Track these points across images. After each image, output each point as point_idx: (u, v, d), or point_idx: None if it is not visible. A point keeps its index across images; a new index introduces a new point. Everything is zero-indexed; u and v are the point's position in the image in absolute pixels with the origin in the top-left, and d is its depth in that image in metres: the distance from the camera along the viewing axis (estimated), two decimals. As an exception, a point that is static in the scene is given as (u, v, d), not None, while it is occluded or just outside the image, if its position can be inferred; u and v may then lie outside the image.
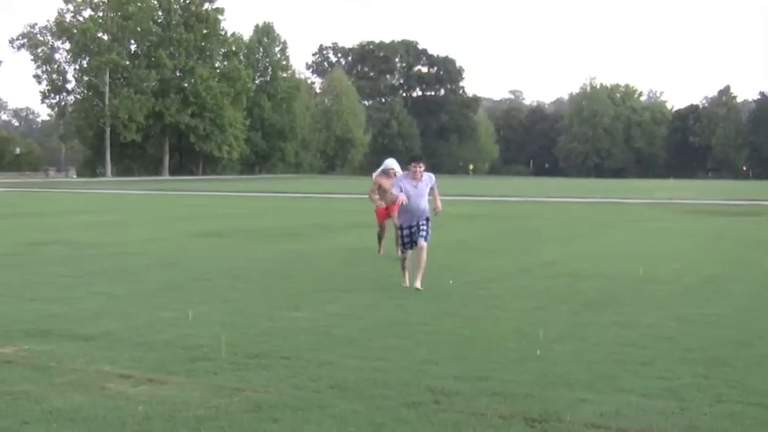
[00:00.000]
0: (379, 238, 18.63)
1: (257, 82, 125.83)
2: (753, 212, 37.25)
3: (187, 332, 9.56)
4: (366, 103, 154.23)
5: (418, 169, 13.50)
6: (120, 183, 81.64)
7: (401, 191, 13.28)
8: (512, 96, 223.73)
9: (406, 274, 13.70)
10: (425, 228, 13.57)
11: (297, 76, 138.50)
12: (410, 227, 13.62)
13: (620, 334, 9.75)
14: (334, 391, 7.16)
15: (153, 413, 6.45)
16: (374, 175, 17.92)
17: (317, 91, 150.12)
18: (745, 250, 20.17)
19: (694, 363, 8.35)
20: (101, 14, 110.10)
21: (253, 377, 7.62)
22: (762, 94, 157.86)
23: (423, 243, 13.43)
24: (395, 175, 16.64)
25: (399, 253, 14.60)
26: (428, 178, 13.65)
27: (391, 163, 17.70)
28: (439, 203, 13.93)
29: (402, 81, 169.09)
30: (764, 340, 9.52)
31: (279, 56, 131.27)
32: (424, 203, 13.59)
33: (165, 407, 6.62)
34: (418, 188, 13.45)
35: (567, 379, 7.62)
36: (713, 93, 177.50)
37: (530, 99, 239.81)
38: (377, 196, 17.56)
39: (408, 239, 13.63)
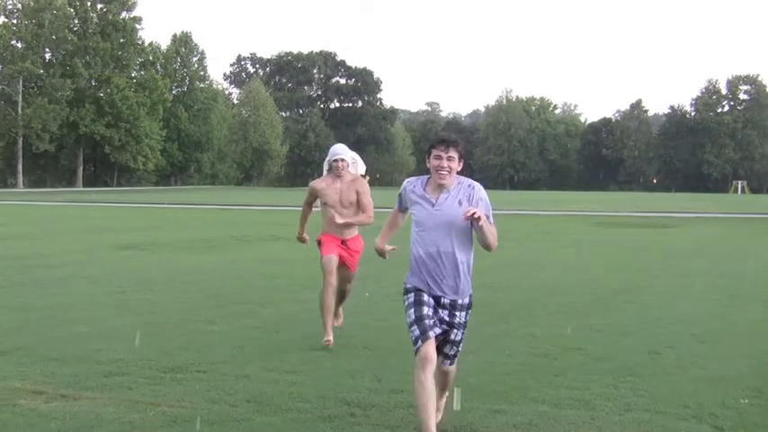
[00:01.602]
0: (324, 308, 9.88)
1: (174, 92, 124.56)
2: (662, 224, 37.97)
3: (101, 346, 9.47)
4: (284, 114, 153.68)
5: (446, 166, 6.18)
6: (32, 194, 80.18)
7: (401, 209, 6.69)
8: (428, 108, 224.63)
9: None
10: (461, 325, 6.40)
11: (214, 86, 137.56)
12: (429, 310, 6.25)
13: (533, 345, 9.91)
14: (250, 405, 7.17)
15: (66, 429, 6.41)
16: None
17: (235, 102, 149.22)
18: (654, 261, 20.56)
19: (604, 373, 8.52)
20: (14, 22, 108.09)
21: (168, 391, 7.59)
22: (672, 107, 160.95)
23: (449, 367, 6.58)
24: (345, 169, 10.05)
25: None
26: (469, 192, 6.24)
27: (340, 150, 10.14)
28: (491, 240, 6.21)
29: (320, 92, 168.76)
30: (673, 350, 9.75)
31: (196, 66, 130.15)
32: (460, 248, 6.25)
33: (79, 423, 6.57)
34: (443, 210, 6.20)
35: (482, 390, 7.72)
36: (625, 106, 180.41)
37: (446, 111, 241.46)
38: (303, 215, 10.60)
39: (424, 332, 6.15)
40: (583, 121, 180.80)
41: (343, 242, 10.19)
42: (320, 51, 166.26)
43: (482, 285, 15.21)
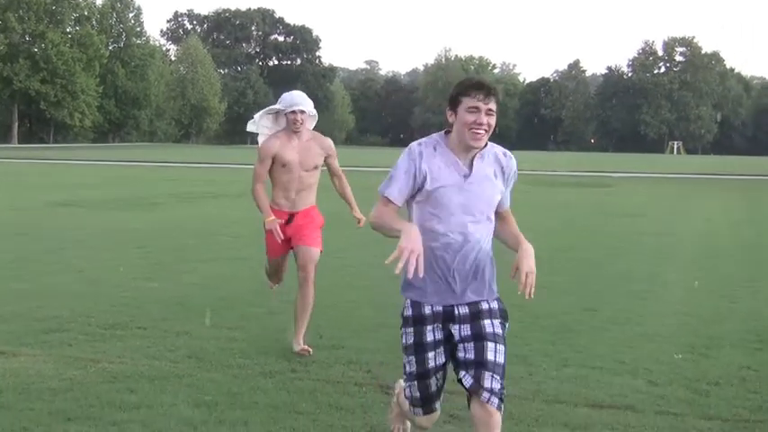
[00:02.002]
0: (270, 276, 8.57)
1: (111, 48, 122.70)
2: (600, 184, 38.38)
3: (39, 303, 9.40)
4: (222, 71, 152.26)
5: (485, 122, 4.35)
6: (-35, 150, 78.82)
7: (414, 184, 4.46)
8: (367, 67, 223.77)
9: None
10: (496, 337, 4.74)
11: (151, 42, 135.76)
12: (442, 325, 4.67)
13: (472, 302, 10.00)
14: (191, 361, 7.19)
15: (5, 386, 6.36)
16: (258, 134, 8.06)
17: (173, 58, 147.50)
18: (592, 220, 20.82)
19: (543, 329, 8.65)
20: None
21: (108, 348, 7.58)
22: (609, 68, 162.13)
23: (492, 408, 4.40)
24: (304, 124, 7.70)
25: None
26: (503, 163, 4.60)
27: (299, 99, 7.64)
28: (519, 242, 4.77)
29: (258, 50, 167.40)
30: (609, 306, 9.93)
31: (133, 22, 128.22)
32: (486, 233, 4.66)
33: (19, 379, 6.54)
34: (478, 183, 4.50)
35: (421, 346, 7.79)
36: (563, 66, 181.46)
37: (385, 69, 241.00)
38: (262, 196, 7.84)
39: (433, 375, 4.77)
40: (521, 80, 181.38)
41: (291, 217, 7.70)
42: (258, 8, 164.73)
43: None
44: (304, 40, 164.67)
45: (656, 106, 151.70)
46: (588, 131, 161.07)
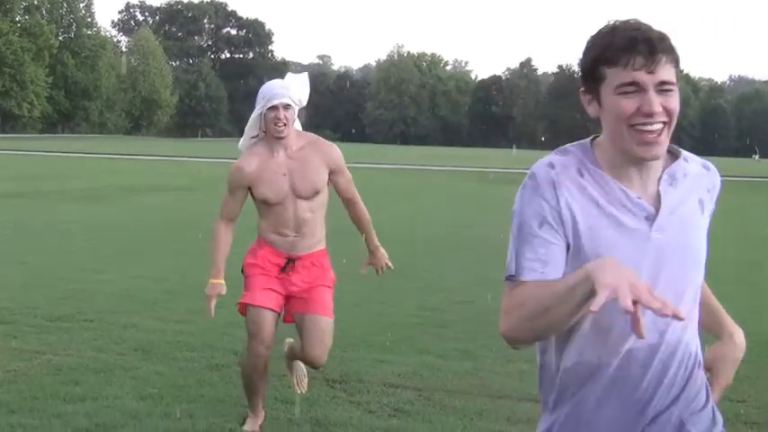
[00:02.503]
0: (248, 384, 5.68)
1: (61, 39, 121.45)
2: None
3: (-16, 295, 9.33)
4: (173, 64, 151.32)
5: (658, 110, 2.25)
6: None
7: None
8: (320, 61, 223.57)
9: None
10: None
11: (102, 33, 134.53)
12: None
13: (420, 298, 10.07)
14: (137, 354, 7.18)
15: (-52, 377, 6.32)
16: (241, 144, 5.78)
17: (124, 50, 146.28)
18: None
19: (489, 325, 8.68)
20: None
21: (54, 340, 7.54)
22: (560, 67, 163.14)
23: None
24: (290, 126, 5.41)
25: None
26: (709, 182, 2.49)
27: (281, 89, 5.46)
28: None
29: (210, 43, 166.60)
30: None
31: (83, 12, 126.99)
32: (692, 322, 2.42)
33: (-38, 371, 6.50)
34: (667, 244, 2.36)
35: (368, 341, 7.85)
36: (515, 64, 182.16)
37: (338, 64, 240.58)
38: (219, 242, 5.68)
39: None
40: (473, 78, 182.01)
41: (289, 263, 5.46)
42: (211, 1, 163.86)
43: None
44: (256, 34, 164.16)
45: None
46: (539, 130, 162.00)
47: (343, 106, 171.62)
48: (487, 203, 24.76)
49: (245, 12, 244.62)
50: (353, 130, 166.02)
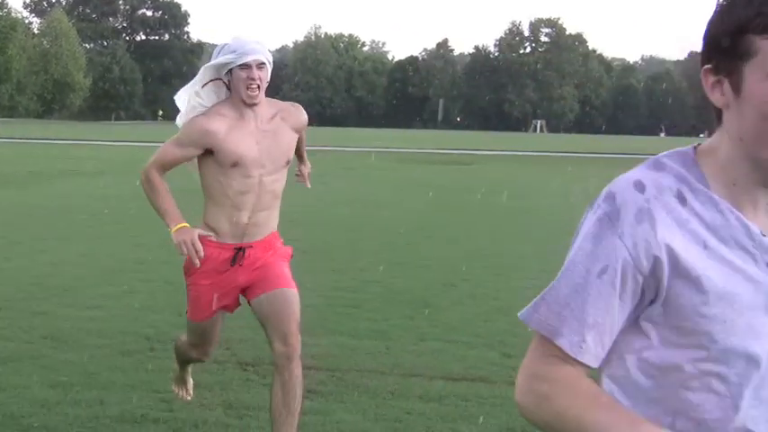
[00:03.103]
0: (183, 362, 5.35)
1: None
2: (464, 161, 38.86)
3: None
4: (87, 46, 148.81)
5: None
6: None
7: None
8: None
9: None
10: None
11: (13, 14, 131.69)
12: None
13: (333, 279, 10.10)
14: (46, 342, 7.10)
15: None
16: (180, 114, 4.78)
17: (35, 32, 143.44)
18: (454, 198, 21.12)
19: (401, 304, 8.80)
20: None
21: (-39, 329, 7.42)
22: (476, 48, 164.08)
23: None
24: (263, 88, 4.60)
25: None
26: None
27: (254, 46, 4.57)
28: None
29: (125, 24, 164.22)
30: (467, 282, 10.14)
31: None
32: None
33: None
34: None
35: (281, 323, 7.85)
36: (432, 45, 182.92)
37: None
38: (160, 186, 4.71)
39: None
40: (390, 59, 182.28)
41: (239, 253, 4.65)
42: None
43: (282, 221, 15.35)
44: (172, 15, 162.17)
45: (521, 86, 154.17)
46: (455, 110, 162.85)
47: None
48: (402, 184, 24.83)
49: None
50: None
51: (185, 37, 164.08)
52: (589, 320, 1.64)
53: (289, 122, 4.73)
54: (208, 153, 4.55)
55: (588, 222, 1.75)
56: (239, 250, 4.62)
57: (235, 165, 4.50)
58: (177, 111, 4.73)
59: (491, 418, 5.61)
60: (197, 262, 4.44)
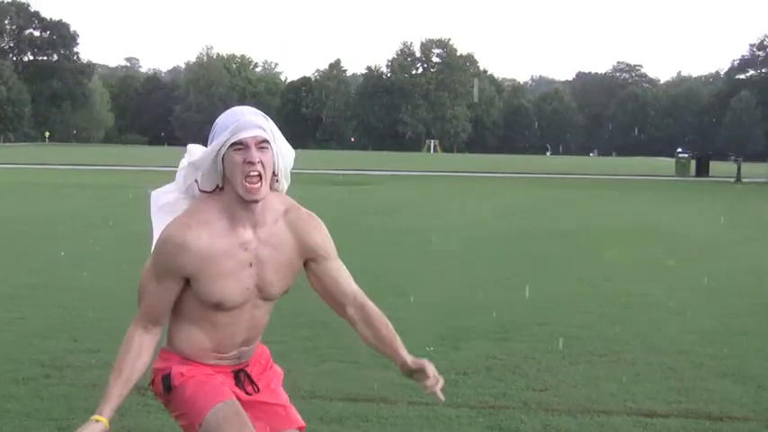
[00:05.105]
0: None
1: None
2: (358, 182, 38.93)
3: None
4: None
5: None
6: None
7: None
8: (128, 64, 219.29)
9: None
10: None
11: None
12: None
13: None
14: (-65, 371, 6.92)
15: None
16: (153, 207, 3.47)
17: None
18: (351, 218, 21.15)
19: (300, 326, 8.78)
20: None
21: None
22: (369, 68, 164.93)
23: None
24: (262, 178, 3.21)
25: None
26: None
27: (252, 119, 3.21)
28: None
29: (12, 44, 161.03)
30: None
31: None
32: None
33: None
34: None
35: (180, 347, 7.79)
36: (324, 66, 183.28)
37: (146, 67, 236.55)
38: (126, 356, 3.40)
39: None
40: (283, 79, 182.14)
41: (239, 376, 3.54)
42: (12, 1, 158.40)
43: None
44: (61, 36, 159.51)
45: (414, 106, 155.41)
46: (348, 130, 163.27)
47: (152, 109, 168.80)
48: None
49: (48, 12, 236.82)
50: (162, 134, 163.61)
51: (75, 57, 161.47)
52: None
53: (293, 231, 3.43)
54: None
55: None
56: (239, 373, 3.52)
57: (215, 307, 3.32)
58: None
59: (392, 437, 5.65)
60: None
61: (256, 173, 3.17)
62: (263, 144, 3.20)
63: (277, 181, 3.38)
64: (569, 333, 8.69)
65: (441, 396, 3.42)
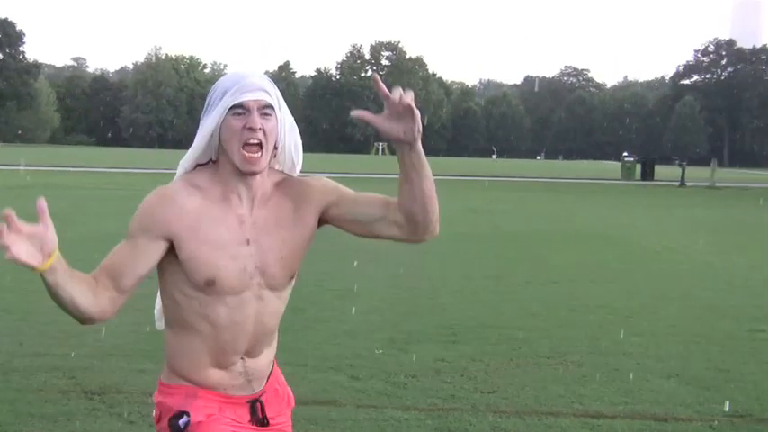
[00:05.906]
0: None
1: None
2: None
3: None
4: None
5: None
6: None
7: None
8: (75, 64, 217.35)
9: None
10: None
11: None
12: None
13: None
14: None
15: None
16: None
17: None
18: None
19: (249, 330, 8.77)
20: None
21: None
22: (318, 70, 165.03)
23: None
24: (263, 148, 2.77)
25: None
26: None
27: (254, 80, 2.79)
28: None
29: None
30: (315, 306, 10.17)
31: None
32: None
33: None
34: None
35: (125, 350, 7.75)
36: (274, 68, 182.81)
37: (93, 67, 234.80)
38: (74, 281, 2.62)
39: None
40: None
41: (255, 406, 2.97)
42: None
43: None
44: (6, 34, 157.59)
45: (363, 108, 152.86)
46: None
47: (99, 110, 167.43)
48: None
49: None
50: (110, 135, 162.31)
51: (20, 57, 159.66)
52: None
53: (292, 199, 2.98)
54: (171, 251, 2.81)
55: None
56: (254, 403, 2.99)
57: (210, 284, 2.78)
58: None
59: (341, 440, 5.67)
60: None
61: (257, 140, 2.75)
62: (266, 110, 2.78)
63: (275, 156, 2.93)
64: (516, 336, 8.77)
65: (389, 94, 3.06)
